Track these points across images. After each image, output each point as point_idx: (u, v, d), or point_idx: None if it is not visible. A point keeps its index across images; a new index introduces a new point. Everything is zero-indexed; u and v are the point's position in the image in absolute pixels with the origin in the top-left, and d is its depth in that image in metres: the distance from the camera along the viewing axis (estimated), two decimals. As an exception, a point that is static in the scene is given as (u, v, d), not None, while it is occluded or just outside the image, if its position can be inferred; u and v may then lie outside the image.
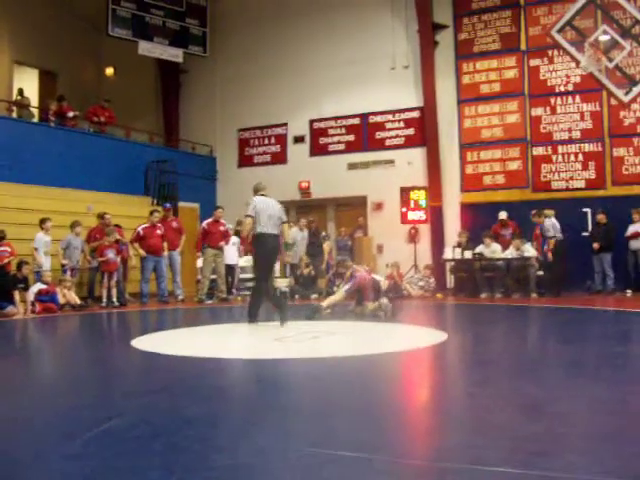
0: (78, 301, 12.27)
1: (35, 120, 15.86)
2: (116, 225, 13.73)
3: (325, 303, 10.15)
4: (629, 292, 13.37)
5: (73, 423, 3.91)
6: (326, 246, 15.53)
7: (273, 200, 9.61)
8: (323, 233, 15.88)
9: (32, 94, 17.73)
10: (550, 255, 13.32)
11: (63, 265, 12.44)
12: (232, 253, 14.65)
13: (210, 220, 14.36)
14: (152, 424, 3.79)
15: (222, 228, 14.21)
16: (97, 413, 4.10)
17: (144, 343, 7.39)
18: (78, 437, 3.48)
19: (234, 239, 14.70)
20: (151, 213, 14.00)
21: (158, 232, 13.78)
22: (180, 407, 4.26)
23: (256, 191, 9.63)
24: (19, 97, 16.58)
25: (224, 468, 2.97)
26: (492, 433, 3.50)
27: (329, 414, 4.03)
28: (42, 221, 12.29)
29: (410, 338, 7.97)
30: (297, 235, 15.07)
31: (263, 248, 9.35)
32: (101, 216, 13.52)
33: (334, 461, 3.04)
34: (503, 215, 14.73)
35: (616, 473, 2.76)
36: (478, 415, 4.03)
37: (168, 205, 15.07)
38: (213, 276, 14.22)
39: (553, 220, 13.62)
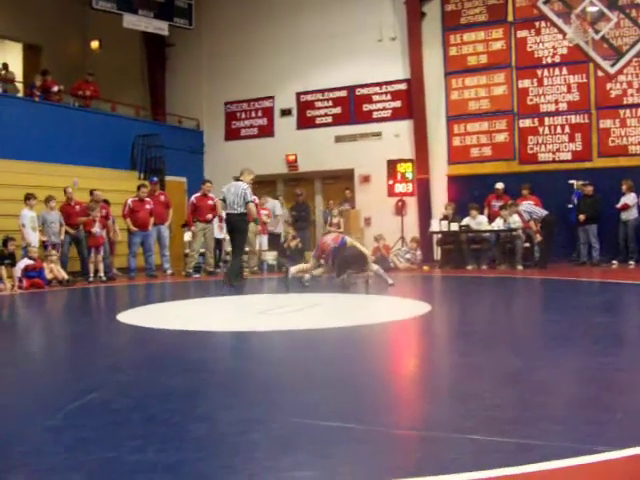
0: (65, 276, 12.26)
1: (20, 95, 15.71)
2: (104, 200, 13.69)
3: (294, 269, 10.43)
4: (615, 263, 13.47)
5: (54, 396, 3.96)
6: (335, 220, 15.43)
7: (240, 183, 10.78)
8: (335, 210, 15.68)
9: (16, 68, 17.53)
10: (538, 236, 13.37)
11: (44, 241, 12.40)
12: (221, 227, 14.65)
13: (198, 194, 14.34)
14: (132, 397, 3.83)
15: (210, 202, 14.18)
16: (78, 387, 4.15)
17: (130, 317, 7.43)
18: (58, 410, 3.52)
19: (222, 213, 14.66)
20: (138, 188, 13.96)
21: (147, 207, 13.77)
22: (161, 380, 4.31)
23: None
24: (3, 72, 16.38)
25: (202, 439, 3.02)
26: (469, 402, 3.56)
27: (311, 385, 4.09)
28: (27, 197, 12.23)
29: (394, 310, 8.03)
30: (275, 208, 15.15)
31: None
32: (91, 192, 13.48)
33: (314, 431, 3.10)
34: (500, 185, 14.72)
35: (589, 440, 2.82)
36: (456, 385, 4.10)
37: (155, 179, 15.01)
38: (201, 250, 14.26)
39: (524, 206, 13.60)
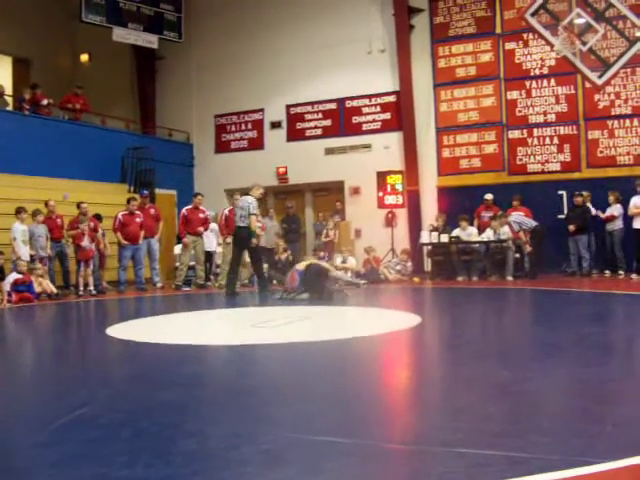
0: (55, 290, 12.21)
1: (9, 108, 15.68)
2: (95, 215, 13.66)
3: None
4: (607, 273, 13.52)
5: (43, 412, 3.93)
6: (332, 233, 15.47)
7: (247, 197, 11.57)
8: (330, 222, 15.70)
9: (6, 82, 17.49)
10: (528, 247, 13.41)
11: (32, 255, 12.34)
12: (211, 240, 14.67)
13: (190, 207, 14.37)
14: (122, 411, 3.81)
15: (202, 215, 14.22)
16: (67, 401, 4.12)
17: (119, 331, 7.40)
18: (47, 425, 3.50)
19: (213, 226, 14.70)
20: (128, 201, 13.94)
21: (137, 220, 13.75)
22: (151, 394, 4.29)
23: None
24: (-8, 85, 16.39)
25: (191, 453, 3.01)
26: (458, 415, 3.57)
27: (301, 399, 4.08)
28: (17, 211, 12.19)
29: (383, 322, 8.02)
30: (267, 223, 15.18)
31: (233, 239, 12.15)
32: (78, 205, 13.43)
33: (305, 446, 3.09)
34: (489, 196, 14.78)
35: (579, 452, 2.83)
36: (446, 397, 4.10)
37: (145, 192, 15.00)
38: (192, 263, 14.25)
39: (514, 217, 13.68)
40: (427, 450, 2.99)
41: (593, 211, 13.79)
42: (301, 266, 10.90)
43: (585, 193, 14.00)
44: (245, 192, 11.92)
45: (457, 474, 2.61)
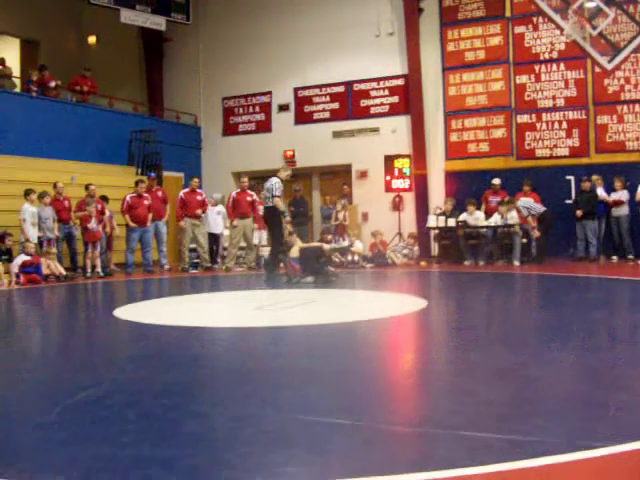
0: (63, 272, 12.27)
1: (17, 90, 15.69)
2: (102, 197, 13.69)
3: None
4: (614, 258, 13.50)
5: (50, 393, 3.97)
6: (340, 215, 15.46)
7: (273, 178, 11.92)
8: (339, 204, 15.68)
9: (14, 64, 17.53)
10: (536, 232, 13.37)
11: (39, 237, 12.38)
12: (218, 222, 14.67)
13: (187, 190, 14.41)
14: (128, 393, 3.85)
15: (199, 198, 14.24)
16: (75, 383, 4.16)
17: (127, 313, 7.45)
18: (54, 406, 3.54)
19: (220, 208, 14.71)
20: (136, 183, 13.96)
21: (145, 202, 13.77)
22: (157, 376, 4.32)
23: None
24: (0, 67, 16.39)
25: (196, 434, 3.04)
26: (462, 398, 3.58)
27: (305, 381, 4.10)
28: (27, 192, 12.21)
29: (389, 306, 8.05)
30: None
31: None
32: (86, 187, 13.47)
33: (308, 427, 3.12)
34: (496, 181, 14.73)
35: (582, 436, 2.84)
36: (450, 381, 4.12)
37: (153, 175, 15.02)
38: (192, 245, 14.25)
39: (522, 202, 13.62)
40: (429, 432, 3.01)
41: (600, 194, 13.69)
42: (294, 253, 10.90)
43: (595, 176, 13.91)
44: (272, 174, 12.24)
45: (459, 457, 2.63)
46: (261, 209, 13.38)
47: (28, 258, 11.60)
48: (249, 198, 14.34)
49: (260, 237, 14.95)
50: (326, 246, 11.37)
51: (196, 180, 14.53)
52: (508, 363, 4.42)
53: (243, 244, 14.47)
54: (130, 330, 6.56)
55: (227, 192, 15.44)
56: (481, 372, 4.25)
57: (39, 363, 5.12)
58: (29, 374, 4.60)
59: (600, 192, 13.74)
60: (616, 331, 5.89)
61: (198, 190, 14.41)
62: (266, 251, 14.73)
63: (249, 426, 3.11)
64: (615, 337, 5.58)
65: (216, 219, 14.62)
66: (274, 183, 11.77)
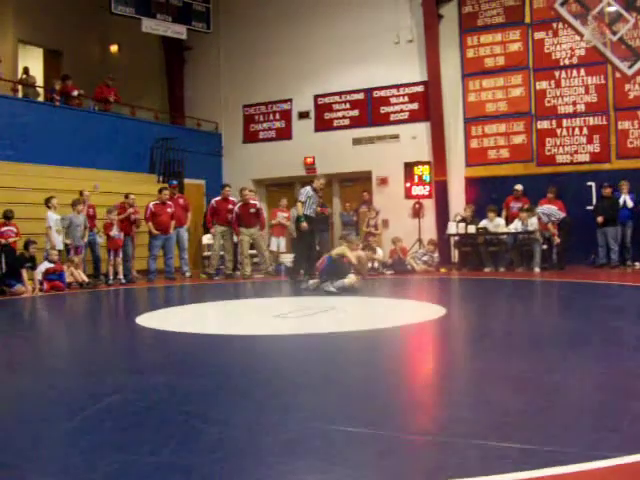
0: (86, 279, 12.40)
1: (41, 99, 15.91)
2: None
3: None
4: (637, 264, 13.41)
5: (74, 400, 4.05)
6: (373, 222, 15.48)
7: (306, 187, 12.74)
8: (373, 212, 15.67)
9: (37, 73, 17.76)
10: (557, 239, 13.33)
11: (67, 244, 12.53)
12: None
13: (219, 198, 14.49)
14: (150, 400, 3.92)
15: (230, 206, 14.31)
16: (97, 390, 4.23)
17: (149, 320, 7.54)
18: (77, 413, 3.62)
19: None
20: (160, 191, 14.08)
21: (168, 210, 13.89)
22: (178, 383, 4.39)
23: None
24: (24, 76, 16.62)
25: (215, 442, 3.10)
26: (479, 407, 3.62)
27: (324, 389, 4.15)
28: (47, 200, 12.37)
29: (408, 313, 8.07)
30: (293, 212, 15.24)
31: None
32: (126, 196, 13.65)
33: (325, 435, 3.16)
34: (519, 187, 14.71)
35: (597, 446, 2.86)
36: (466, 389, 4.15)
37: (174, 182, 15.16)
38: (221, 253, 14.36)
39: (542, 208, 13.59)
40: (445, 441, 3.05)
41: (622, 201, 13.60)
42: (334, 253, 10.76)
43: (622, 182, 13.79)
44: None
45: (474, 466, 2.66)
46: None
47: (52, 265, 11.75)
48: (252, 210, 14.23)
49: (278, 244, 15.04)
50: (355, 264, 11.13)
51: (228, 189, 14.61)
52: (525, 371, 4.43)
53: (253, 251, 14.50)
54: (152, 337, 6.65)
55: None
56: (498, 380, 4.27)
57: (62, 370, 5.20)
58: (52, 381, 4.69)
59: (626, 198, 13.65)
60: (634, 340, 5.87)
61: (230, 198, 14.46)
62: (287, 258, 14.83)
63: (267, 434, 3.16)
64: (633, 346, 5.57)
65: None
66: (302, 191, 12.43)
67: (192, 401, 3.86)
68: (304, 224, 12.35)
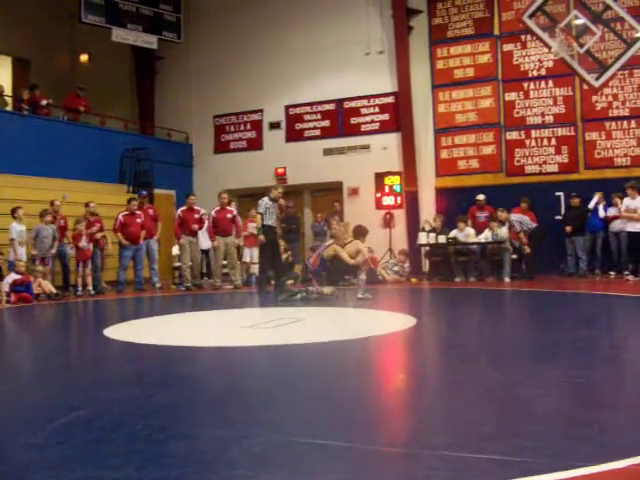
0: (54, 290, 12.25)
1: (9, 109, 15.73)
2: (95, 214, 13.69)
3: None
4: (612, 274, 13.52)
5: (37, 414, 3.97)
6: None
7: (263, 198, 12.58)
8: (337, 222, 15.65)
9: (5, 82, 17.54)
10: (527, 248, 13.44)
11: (33, 255, 12.38)
12: (207, 238, 14.63)
13: (184, 207, 14.39)
14: (116, 414, 3.85)
15: (196, 215, 14.22)
16: (62, 404, 4.16)
17: (117, 332, 7.44)
18: (41, 428, 3.54)
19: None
20: (129, 201, 13.97)
21: (138, 220, 13.79)
22: (145, 397, 4.33)
23: None
24: (-8, 85, 16.42)
25: (182, 456, 3.05)
26: (446, 418, 3.61)
27: (292, 402, 4.11)
28: (13, 210, 12.21)
29: (378, 324, 8.06)
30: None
31: None
32: (86, 204, 13.48)
33: (294, 448, 3.13)
34: (481, 197, 14.86)
35: (565, 456, 2.86)
36: (435, 400, 4.14)
37: (144, 192, 15.05)
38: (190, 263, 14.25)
39: (516, 216, 13.73)
40: (414, 453, 3.03)
41: (596, 208, 13.72)
42: (326, 254, 10.96)
43: (599, 194, 13.92)
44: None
45: (442, 477, 2.65)
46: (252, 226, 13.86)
47: (19, 277, 11.59)
48: (229, 215, 14.22)
49: (251, 254, 14.95)
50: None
51: (192, 197, 14.52)
52: (493, 382, 4.44)
53: (224, 261, 14.41)
54: (119, 350, 6.57)
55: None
56: (466, 391, 4.27)
57: (27, 383, 5.11)
58: (17, 394, 4.60)
59: (599, 207, 13.79)
60: (603, 349, 5.91)
61: (195, 207, 14.36)
62: (256, 268, 14.74)
63: (235, 447, 3.12)
64: (600, 355, 5.60)
65: (205, 236, 14.59)
66: (260, 203, 12.34)
67: (159, 415, 3.81)
68: (261, 237, 12.35)
